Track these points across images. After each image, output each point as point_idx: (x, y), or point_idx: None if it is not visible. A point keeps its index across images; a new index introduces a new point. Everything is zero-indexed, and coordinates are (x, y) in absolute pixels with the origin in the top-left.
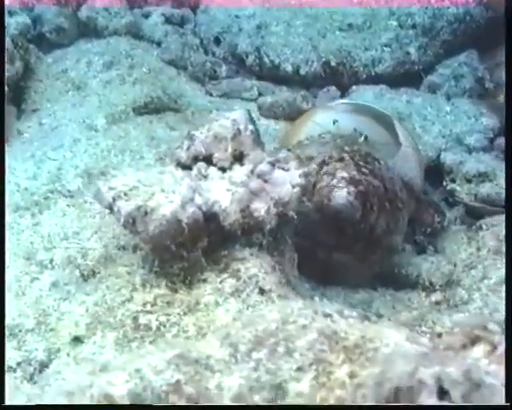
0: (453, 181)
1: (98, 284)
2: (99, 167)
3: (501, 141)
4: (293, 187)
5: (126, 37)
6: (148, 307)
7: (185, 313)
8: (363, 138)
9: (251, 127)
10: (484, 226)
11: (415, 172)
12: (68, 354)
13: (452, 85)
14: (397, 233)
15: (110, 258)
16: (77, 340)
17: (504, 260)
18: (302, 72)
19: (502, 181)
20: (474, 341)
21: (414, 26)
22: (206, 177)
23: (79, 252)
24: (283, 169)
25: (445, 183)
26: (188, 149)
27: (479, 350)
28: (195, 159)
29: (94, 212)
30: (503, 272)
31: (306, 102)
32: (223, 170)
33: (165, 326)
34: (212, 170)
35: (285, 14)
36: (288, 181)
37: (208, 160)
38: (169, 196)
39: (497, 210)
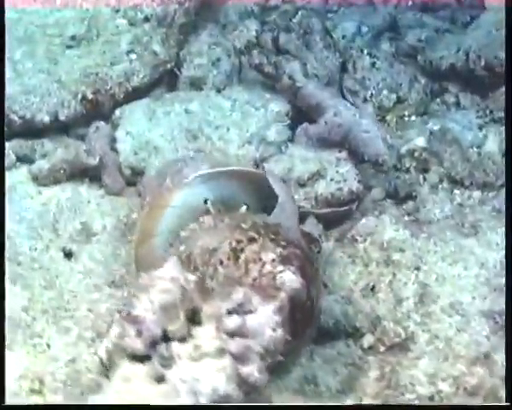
0: None
1: None
2: None
3: (304, 126)
4: (274, 330)
5: None
6: None
7: None
8: (245, 208)
9: (189, 275)
10: (358, 238)
11: (292, 219)
12: None
13: (216, 75)
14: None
15: None
16: None
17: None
18: (62, 117)
19: (333, 173)
20: None
21: (146, 19)
22: (170, 362)
23: None
24: (251, 312)
25: None
26: (139, 335)
27: None
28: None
29: None
30: (414, 287)
31: (93, 155)
32: (182, 340)
33: None
34: (176, 349)
35: None
36: (265, 326)
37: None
38: None
39: (347, 209)
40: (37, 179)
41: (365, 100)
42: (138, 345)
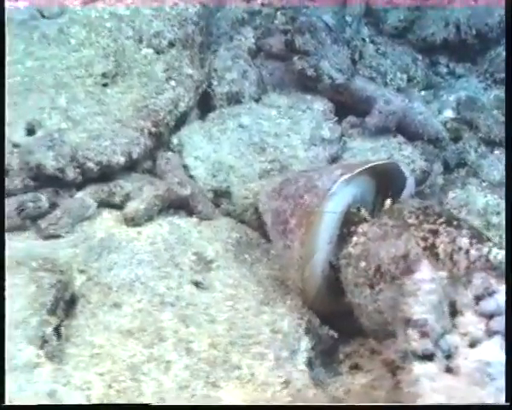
0: None
1: None
2: None
3: (351, 119)
4: None
5: None
6: None
7: None
8: (389, 201)
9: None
10: (453, 211)
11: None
12: None
13: (249, 86)
14: None
15: None
16: None
17: None
18: (135, 155)
19: (400, 157)
20: None
21: (171, 44)
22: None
23: None
24: (494, 293)
25: None
26: (425, 336)
27: None
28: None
29: None
30: None
31: (184, 186)
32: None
33: None
34: (451, 341)
35: None
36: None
37: None
38: None
39: (424, 188)
40: (133, 220)
41: (386, 84)
42: (428, 345)
